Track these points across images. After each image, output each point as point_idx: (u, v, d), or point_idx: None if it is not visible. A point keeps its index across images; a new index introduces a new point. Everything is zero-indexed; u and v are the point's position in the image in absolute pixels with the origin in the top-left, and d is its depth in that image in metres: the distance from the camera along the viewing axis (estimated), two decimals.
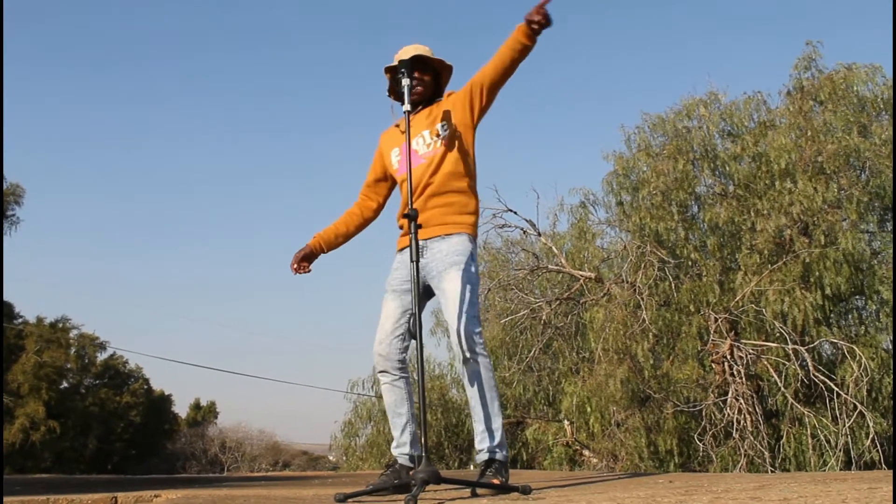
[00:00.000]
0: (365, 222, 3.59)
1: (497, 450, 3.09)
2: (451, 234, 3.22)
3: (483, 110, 3.35)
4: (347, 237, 3.58)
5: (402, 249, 3.37)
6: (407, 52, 3.34)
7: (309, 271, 3.49)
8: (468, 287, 3.13)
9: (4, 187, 22.50)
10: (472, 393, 3.13)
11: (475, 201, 3.34)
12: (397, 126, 3.46)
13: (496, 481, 3.00)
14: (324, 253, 3.54)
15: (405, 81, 3.16)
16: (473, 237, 3.28)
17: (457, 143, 3.29)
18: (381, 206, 3.60)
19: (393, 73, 3.45)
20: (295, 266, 3.45)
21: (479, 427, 3.12)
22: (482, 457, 3.11)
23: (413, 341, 3.21)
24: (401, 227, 3.41)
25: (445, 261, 3.17)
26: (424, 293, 3.28)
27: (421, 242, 3.16)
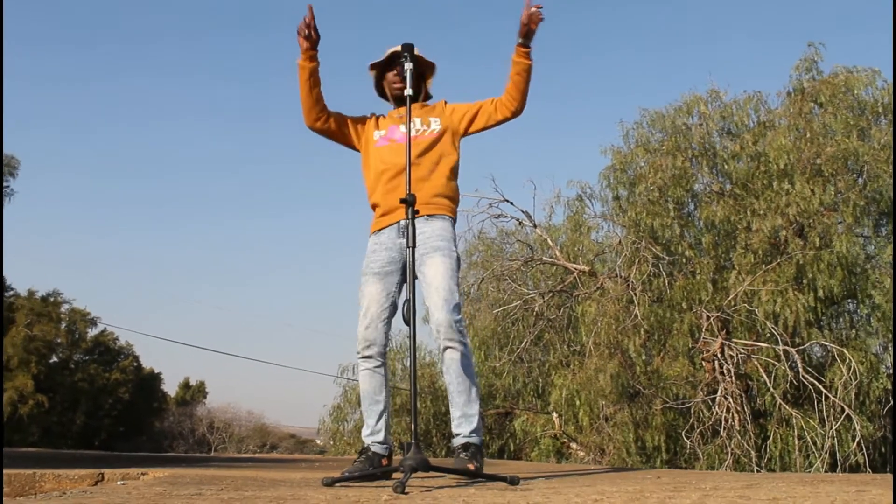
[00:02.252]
0: (318, 98, 3.45)
1: (473, 434, 3.15)
2: (434, 216, 3.28)
3: (476, 132, 3.48)
4: (316, 84, 3.43)
5: (378, 230, 3.37)
6: (391, 50, 3.43)
7: (307, 35, 3.32)
8: (451, 275, 3.19)
9: None
10: (450, 379, 3.18)
11: (457, 191, 3.44)
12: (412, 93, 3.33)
13: (471, 466, 3.03)
14: (310, 58, 3.39)
15: (408, 65, 3.20)
16: (454, 222, 3.37)
17: (447, 139, 3.40)
18: (322, 118, 3.47)
19: (379, 69, 3.53)
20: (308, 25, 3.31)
21: (456, 413, 3.18)
22: (458, 441, 3.17)
23: (399, 327, 3.26)
24: (373, 207, 3.43)
25: (429, 244, 3.22)
26: (402, 271, 3.31)
27: (403, 221, 3.16)
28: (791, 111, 11.68)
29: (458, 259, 3.30)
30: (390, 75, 3.47)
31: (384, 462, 3.22)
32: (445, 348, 3.14)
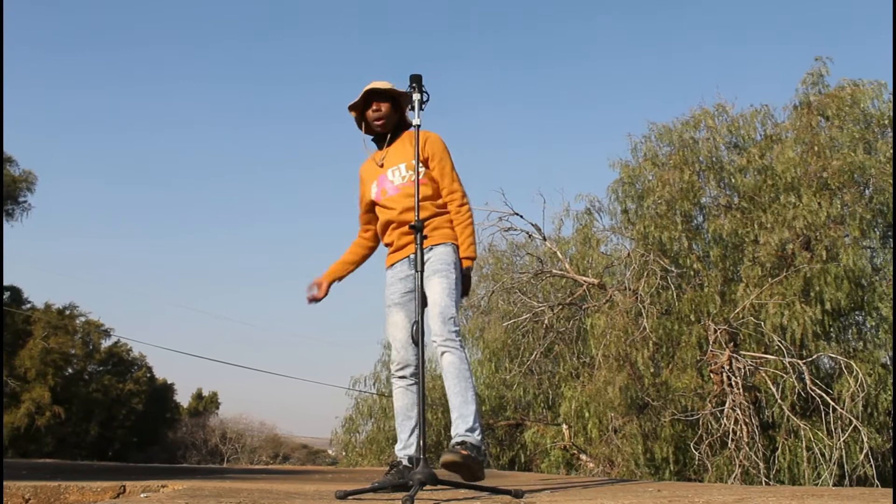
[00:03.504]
0: (370, 251, 3.90)
1: (469, 433, 3.21)
2: (436, 245, 3.48)
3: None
4: (356, 265, 3.90)
5: (391, 266, 3.62)
6: (364, 89, 3.62)
7: (319, 300, 3.79)
8: (448, 292, 3.38)
9: (17, 174, 22.73)
10: (447, 384, 3.33)
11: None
12: (373, 159, 3.72)
13: (463, 452, 3.10)
14: (337, 281, 3.85)
15: (416, 96, 3.37)
16: (456, 247, 3.53)
17: (429, 174, 3.59)
18: (375, 234, 3.85)
19: (358, 109, 3.69)
20: (309, 296, 3.76)
21: (454, 414, 3.30)
22: (455, 439, 3.23)
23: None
24: (387, 245, 3.67)
25: (430, 268, 3.42)
26: (422, 300, 3.47)
27: (410, 256, 3.47)
28: (798, 125, 11.78)
29: (458, 278, 3.46)
30: (369, 113, 3.64)
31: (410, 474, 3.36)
32: (442, 353, 3.31)
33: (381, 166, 3.64)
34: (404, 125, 3.73)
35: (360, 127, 3.77)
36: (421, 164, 3.54)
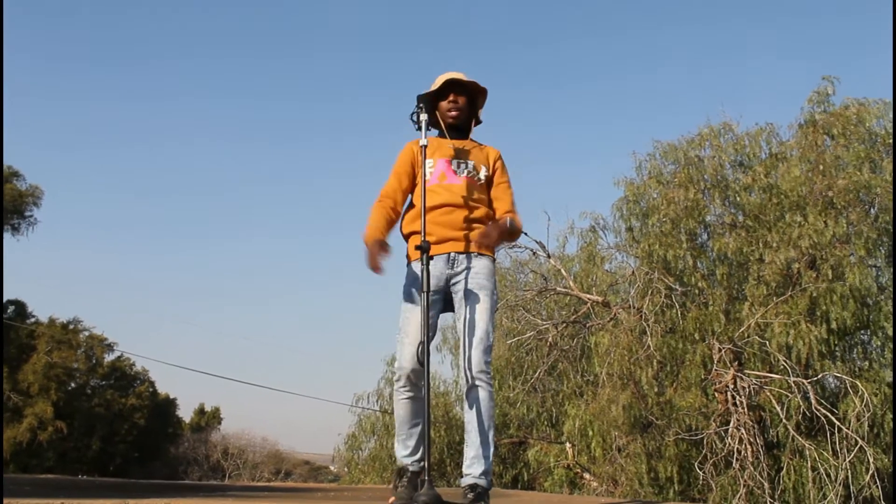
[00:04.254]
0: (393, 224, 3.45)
1: (483, 477, 3.14)
2: (482, 255, 3.32)
3: None
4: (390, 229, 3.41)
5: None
6: (442, 78, 3.43)
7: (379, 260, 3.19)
8: (490, 316, 3.24)
9: (24, 188, 22.80)
10: (470, 418, 3.18)
11: None
12: (427, 144, 3.39)
13: None
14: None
15: (423, 116, 3.29)
16: (495, 262, 3.41)
17: (489, 187, 3.46)
18: (401, 209, 3.47)
19: (429, 98, 3.48)
20: (377, 266, 3.14)
21: (470, 452, 3.17)
22: (467, 480, 3.15)
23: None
24: (411, 235, 3.42)
25: (476, 280, 3.27)
26: (444, 300, 3.36)
27: (453, 253, 3.29)
28: (803, 143, 11.76)
29: (497, 301, 3.34)
30: (444, 104, 3.45)
31: (415, 497, 3.14)
32: (474, 386, 3.16)
33: (452, 154, 3.40)
34: (475, 122, 3.57)
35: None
36: (488, 174, 3.44)
